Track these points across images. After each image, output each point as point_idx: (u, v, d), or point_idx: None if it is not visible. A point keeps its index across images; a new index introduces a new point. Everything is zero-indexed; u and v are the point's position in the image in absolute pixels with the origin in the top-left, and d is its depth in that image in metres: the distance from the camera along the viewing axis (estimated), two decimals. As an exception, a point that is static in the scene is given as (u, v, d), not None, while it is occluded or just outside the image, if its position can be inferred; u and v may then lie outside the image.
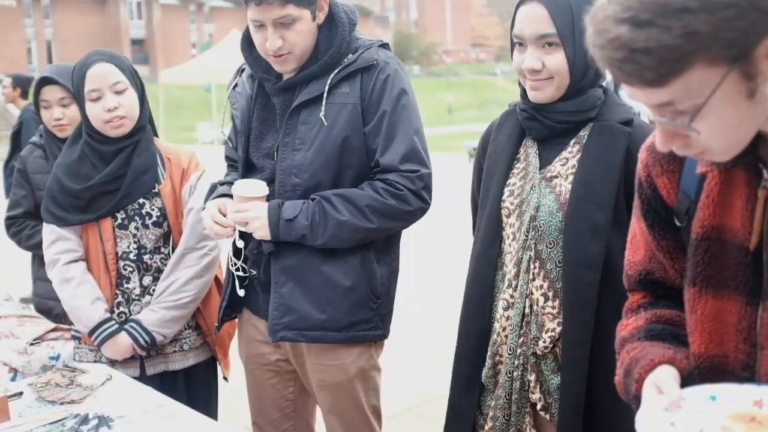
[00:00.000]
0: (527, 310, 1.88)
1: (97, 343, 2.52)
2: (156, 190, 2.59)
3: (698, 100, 1.00)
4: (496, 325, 1.93)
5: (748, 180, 1.18)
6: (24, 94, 6.88)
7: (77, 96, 2.57)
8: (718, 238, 1.22)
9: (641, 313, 1.42)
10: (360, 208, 2.18)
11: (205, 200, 2.43)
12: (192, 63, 25.92)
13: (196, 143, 25.11)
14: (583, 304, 1.79)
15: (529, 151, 1.95)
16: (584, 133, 1.89)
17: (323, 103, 2.20)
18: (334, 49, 2.22)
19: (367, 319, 2.29)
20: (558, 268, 1.85)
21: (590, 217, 1.79)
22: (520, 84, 1.94)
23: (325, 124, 2.19)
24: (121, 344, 2.52)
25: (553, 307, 1.86)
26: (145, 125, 2.62)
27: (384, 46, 2.34)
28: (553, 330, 1.85)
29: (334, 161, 2.22)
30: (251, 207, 2.20)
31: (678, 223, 1.31)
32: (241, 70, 2.45)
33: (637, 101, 1.07)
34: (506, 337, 1.91)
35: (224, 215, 2.26)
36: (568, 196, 1.84)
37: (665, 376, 1.20)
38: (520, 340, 1.88)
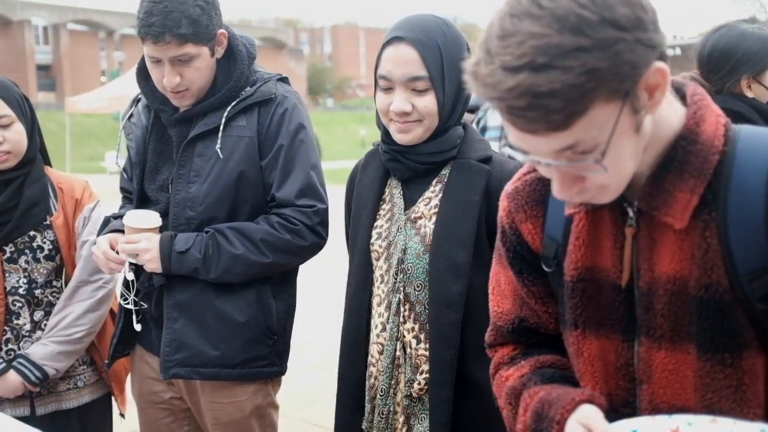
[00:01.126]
0: (399, 353, 1.87)
1: None
2: (48, 222, 2.49)
3: (601, 138, 1.01)
4: (372, 370, 1.91)
5: (613, 220, 1.21)
6: None
7: None
8: (592, 278, 1.24)
9: (521, 363, 1.40)
10: (255, 242, 2.16)
11: (98, 234, 2.36)
12: (101, 91, 25.35)
13: (104, 173, 24.47)
14: (447, 344, 1.79)
15: (394, 191, 1.94)
16: (445, 172, 1.89)
17: (219, 135, 2.18)
18: (233, 82, 2.21)
19: (262, 355, 2.26)
20: (427, 310, 1.84)
21: (451, 256, 1.79)
22: (380, 125, 1.92)
23: (221, 156, 2.17)
24: (10, 382, 2.40)
25: (426, 349, 1.84)
26: (35, 156, 2.51)
27: (283, 80, 2.34)
28: (428, 372, 1.84)
29: (230, 195, 2.19)
30: (142, 238, 2.15)
31: (546, 268, 1.32)
32: (137, 100, 2.41)
33: (532, 153, 1.04)
34: (381, 380, 1.89)
35: (116, 250, 2.20)
36: (431, 237, 1.84)
37: (593, 414, 1.18)
38: (393, 383, 1.88)
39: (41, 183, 2.51)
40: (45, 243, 2.49)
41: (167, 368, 2.22)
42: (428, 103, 1.80)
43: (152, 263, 2.16)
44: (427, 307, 1.84)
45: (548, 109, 0.95)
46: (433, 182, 1.89)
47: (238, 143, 2.19)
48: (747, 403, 1.13)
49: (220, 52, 2.22)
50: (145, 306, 2.29)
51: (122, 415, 2.73)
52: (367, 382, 1.93)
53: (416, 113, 1.81)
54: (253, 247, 2.16)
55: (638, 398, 1.22)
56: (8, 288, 2.46)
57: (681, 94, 1.19)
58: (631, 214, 1.18)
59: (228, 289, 2.20)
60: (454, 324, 1.78)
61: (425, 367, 1.84)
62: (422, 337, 1.85)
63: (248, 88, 2.23)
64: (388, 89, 1.82)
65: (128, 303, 2.26)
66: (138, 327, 2.29)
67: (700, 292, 1.12)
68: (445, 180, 1.87)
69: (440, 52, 1.79)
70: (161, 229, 2.21)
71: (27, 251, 2.46)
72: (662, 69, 1.02)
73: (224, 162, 2.18)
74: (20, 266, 2.46)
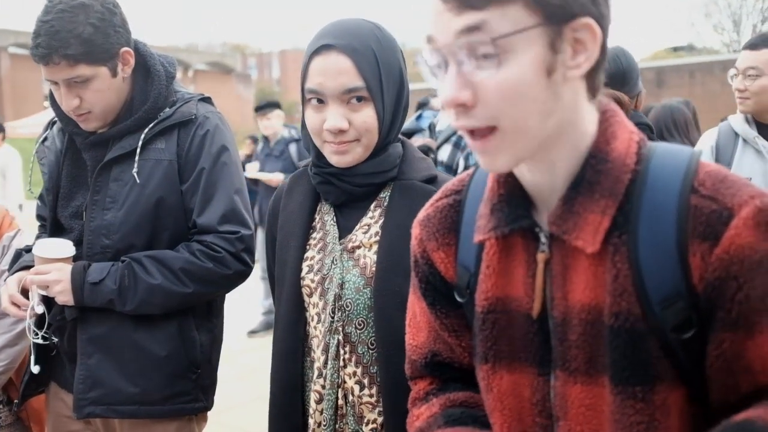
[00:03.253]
0: (341, 402, 1.66)
1: None
2: None
3: (507, 31, 0.96)
4: (311, 422, 1.69)
5: (525, 246, 1.14)
6: None
7: None
8: (504, 309, 1.16)
9: (432, 401, 1.33)
10: (174, 271, 2.04)
11: (9, 268, 2.22)
12: (42, 115, 24.86)
13: (43, 199, 23.94)
14: (404, 389, 1.50)
15: (326, 218, 1.74)
16: (385, 195, 1.71)
17: (136, 159, 2.06)
18: (150, 102, 2.10)
19: (185, 390, 2.14)
20: (371, 351, 1.65)
21: (401, 291, 1.55)
22: (310, 146, 1.74)
23: (138, 181, 2.06)
24: None
25: (371, 395, 1.65)
26: None
27: (205, 100, 2.24)
28: (374, 421, 1.65)
29: (148, 222, 2.08)
30: (53, 269, 2.03)
31: (459, 299, 1.25)
32: (52, 123, 2.29)
33: (437, 39, 1.00)
34: None
35: (26, 290, 2.06)
36: (374, 268, 1.65)
37: None
38: None
39: None
40: None
41: (81, 407, 2.08)
42: (367, 117, 1.62)
43: (63, 295, 2.03)
44: (371, 347, 1.65)
45: None
46: (371, 207, 1.71)
47: (156, 167, 2.08)
48: None
49: (126, 71, 2.09)
50: (56, 340, 2.14)
51: None
52: None
53: (353, 131, 1.62)
54: (172, 277, 2.04)
55: None
56: None
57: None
58: (543, 239, 1.11)
59: (147, 321, 2.08)
60: None
61: (371, 416, 1.65)
62: (365, 381, 1.65)
63: (167, 109, 2.12)
64: (320, 105, 1.62)
65: (38, 338, 2.11)
66: (35, 369, 2.14)
67: (611, 320, 1.05)
68: (385, 204, 1.69)
69: (376, 59, 1.60)
70: (75, 259, 2.09)
71: None
72: (594, 29, 0.99)
73: (142, 187, 2.06)
74: None
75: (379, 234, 1.67)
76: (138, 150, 2.07)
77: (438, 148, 3.51)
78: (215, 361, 2.25)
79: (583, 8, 0.98)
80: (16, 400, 2.31)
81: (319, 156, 1.71)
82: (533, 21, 0.96)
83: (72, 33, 1.93)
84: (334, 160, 1.66)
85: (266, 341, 6.83)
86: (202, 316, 2.18)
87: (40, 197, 2.32)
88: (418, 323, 1.35)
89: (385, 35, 1.67)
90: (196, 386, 2.16)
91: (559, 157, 1.07)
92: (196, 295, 2.08)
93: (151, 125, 2.09)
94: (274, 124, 7.32)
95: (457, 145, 3.44)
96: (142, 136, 2.08)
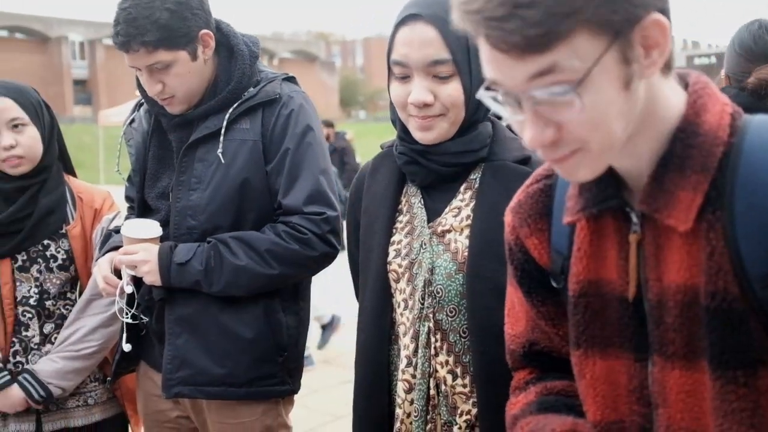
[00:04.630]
0: (433, 392, 1.59)
1: None
2: (63, 231, 2.41)
3: (582, 66, 0.90)
4: (399, 412, 1.62)
5: (617, 227, 1.09)
6: None
7: None
8: (597, 292, 1.11)
9: (530, 389, 1.29)
10: (260, 252, 2.02)
11: (99, 248, 2.25)
12: (132, 103, 25.64)
13: (136, 185, 24.77)
14: (498, 379, 1.45)
15: (413, 200, 1.67)
16: (475, 176, 1.63)
17: (221, 139, 2.05)
18: (234, 82, 2.09)
19: (272, 373, 2.12)
20: (464, 340, 1.58)
21: (494, 277, 1.48)
22: (396, 121, 1.66)
23: (223, 162, 2.04)
24: (13, 397, 2.30)
25: (464, 386, 1.58)
26: (51, 164, 2.43)
27: (289, 79, 2.21)
28: (469, 412, 1.58)
29: (234, 202, 2.06)
30: (140, 249, 2.03)
31: (555, 285, 1.20)
32: (139, 105, 2.30)
33: (505, 84, 0.94)
34: (411, 424, 1.61)
35: (118, 271, 2.08)
36: (466, 253, 1.57)
37: None
38: (428, 427, 1.60)
39: (58, 191, 2.43)
40: (59, 252, 2.40)
41: (169, 387, 2.09)
42: (452, 91, 1.53)
43: (151, 275, 2.03)
44: (463, 335, 1.58)
45: (527, 21, 0.87)
46: (461, 189, 1.62)
47: (241, 147, 2.06)
48: (765, 431, 0.99)
49: (208, 53, 2.08)
50: (146, 320, 2.16)
51: None
52: (394, 426, 1.65)
53: (439, 105, 1.54)
54: (258, 258, 2.02)
55: (655, 425, 1.08)
56: (19, 298, 2.37)
57: (685, 83, 1.06)
58: (634, 219, 1.06)
59: (233, 303, 2.07)
60: (504, 357, 1.42)
61: (465, 406, 1.58)
62: (458, 371, 1.58)
63: (251, 89, 2.10)
64: (405, 77, 1.55)
65: (127, 317, 2.13)
66: (127, 347, 2.16)
67: (707, 300, 0.98)
68: (476, 186, 1.60)
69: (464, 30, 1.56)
70: (162, 240, 2.09)
71: (40, 260, 2.37)
72: (662, 23, 0.93)
73: (227, 167, 2.05)
74: (32, 275, 2.37)
75: (471, 218, 1.59)
76: (223, 130, 2.06)
77: None
78: (302, 344, 2.23)
79: (645, 5, 0.92)
80: (108, 377, 2.33)
81: (406, 131, 1.64)
82: (602, 45, 0.90)
83: (149, 19, 1.93)
84: (418, 135, 1.58)
85: (352, 325, 6.87)
86: (289, 299, 2.16)
87: (128, 178, 2.34)
88: (516, 313, 1.32)
89: None
90: (282, 369, 2.14)
91: (641, 141, 1.02)
92: (282, 276, 2.06)
93: (235, 105, 2.07)
94: None
95: None
96: (227, 116, 2.06)
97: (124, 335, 2.15)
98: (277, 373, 2.13)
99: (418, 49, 1.51)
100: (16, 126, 2.33)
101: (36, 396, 2.30)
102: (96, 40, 62.10)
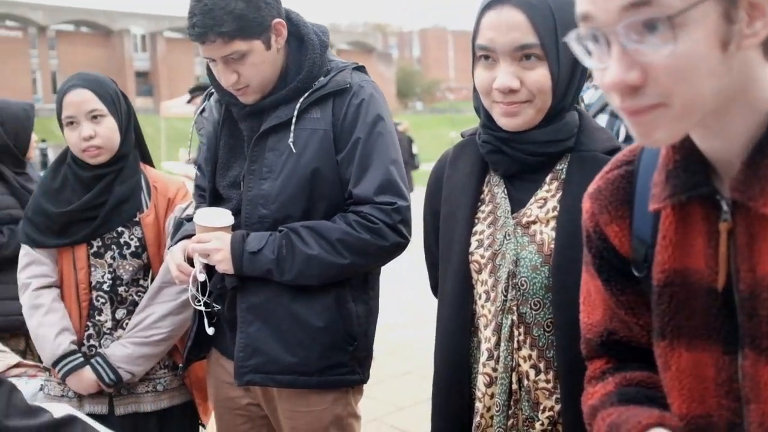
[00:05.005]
0: (515, 386, 1.55)
1: (61, 376, 2.39)
2: (137, 219, 2.47)
3: (681, 4, 0.86)
4: (479, 405, 1.58)
5: (705, 215, 1.04)
6: None
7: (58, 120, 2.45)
8: (683, 282, 1.07)
9: (608, 379, 1.26)
10: (331, 242, 2.02)
11: (171, 237, 2.28)
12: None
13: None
14: (582, 376, 1.40)
15: (496, 190, 1.63)
16: (561, 167, 1.58)
17: (292, 128, 2.05)
18: (305, 72, 2.09)
19: (342, 362, 2.12)
20: (548, 334, 1.54)
21: (580, 270, 1.41)
22: (480, 108, 1.62)
23: (294, 151, 2.05)
24: (86, 379, 2.38)
25: (548, 381, 1.54)
26: (128, 153, 2.50)
27: (359, 68, 2.20)
28: (551, 408, 1.54)
29: (304, 192, 2.07)
30: (213, 238, 2.05)
31: (637, 273, 1.16)
32: (209, 95, 2.32)
33: (597, 16, 0.90)
34: (492, 418, 1.57)
35: (191, 259, 2.11)
36: (552, 246, 1.52)
37: None
38: (509, 423, 1.56)
39: (134, 180, 2.50)
40: (132, 240, 2.46)
41: (242, 374, 2.11)
42: (540, 77, 1.49)
43: (223, 264, 2.05)
44: (547, 330, 1.54)
45: None
46: (547, 179, 1.58)
47: (312, 137, 2.06)
48: None
49: (280, 42, 2.09)
50: (218, 308, 2.18)
51: (202, 425, 2.66)
52: (471, 420, 1.62)
53: (525, 91, 1.50)
54: (329, 247, 2.02)
55: (746, 420, 1.03)
56: (93, 283, 2.46)
57: None
58: (725, 207, 1.01)
59: (305, 292, 2.07)
60: None
61: (547, 402, 1.54)
62: (541, 366, 1.54)
63: (322, 78, 2.10)
64: (490, 63, 1.51)
65: (199, 304, 2.16)
66: (210, 331, 2.18)
67: None
68: (562, 177, 1.56)
69: (552, 15, 1.47)
70: (233, 228, 2.11)
71: (114, 247, 2.45)
72: None
73: (298, 157, 2.05)
74: (106, 262, 2.45)
75: (557, 209, 1.54)
76: (293, 119, 2.06)
77: None
78: (371, 333, 2.23)
79: None
80: (180, 365, 2.37)
81: (490, 118, 1.59)
82: None
83: (225, 10, 1.94)
84: (503, 122, 1.54)
85: (415, 316, 6.86)
86: (359, 288, 2.16)
87: (199, 167, 2.36)
88: (593, 301, 1.28)
89: None
90: (352, 358, 2.14)
91: (733, 122, 0.97)
92: (353, 266, 2.06)
93: (306, 94, 2.08)
94: None
95: (615, 114, 3.26)
96: (298, 105, 2.06)
97: (205, 321, 2.17)
98: (348, 362, 2.13)
99: (505, 33, 1.47)
100: (95, 117, 2.40)
101: (107, 379, 2.37)
102: (157, 32, 63.18)
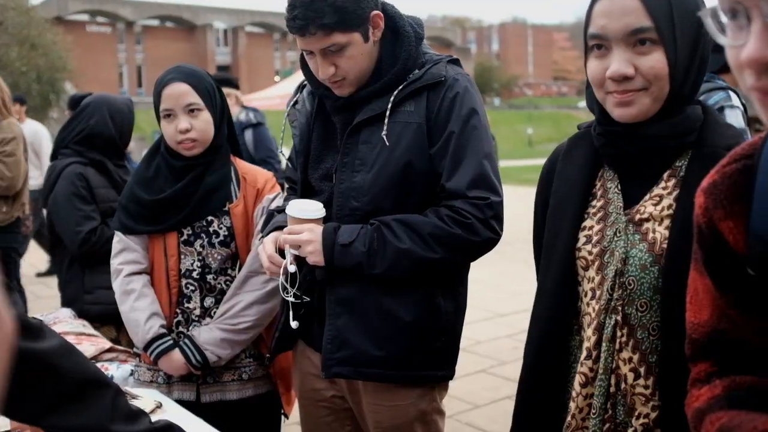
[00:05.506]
0: (612, 389, 1.50)
1: (153, 359, 2.46)
2: (226, 209, 2.51)
3: None
4: (572, 405, 1.53)
5: None
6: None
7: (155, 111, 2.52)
8: None
9: (715, 382, 1.19)
10: (422, 236, 2.00)
11: (262, 228, 2.30)
12: (273, 89, 26.36)
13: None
14: (686, 384, 1.35)
15: (609, 185, 1.57)
16: (681, 164, 1.49)
17: (385, 121, 2.04)
18: (399, 65, 2.07)
19: (429, 358, 2.10)
20: (652, 338, 1.47)
21: None
22: (594, 107, 1.57)
23: (387, 144, 2.03)
24: (175, 361, 2.44)
25: (646, 387, 1.47)
26: (220, 146, 2.55)
27: (454, 61, 2.17)
28: (646, 416, 1.47)
29: (396, 185, 2.05)
30: (305, 229, 2.06)
31: (751, 272, 1.10)
32: (302, 87, 2.32)
33: None
34: (583, 420, 1.52)
35: (282, 250, 2.12)
36: (665, 245, 1.45)
37: None
38: (605, 427, 1.50)
39: (224, 171, 2.54)
40: (221, 229, 2.50)
41: (329, 366, 2.11)
42: (655, 62, 1.42)
43: (314, 256, 2.05)
44: (652, 333, 1.47)
45: None
46: (664, 176, 1.50)
47: (405, 130, 2.04)
48: None
49: (377, 35, 2.08)
50: (308, 299, 2.19)
51: (285, 415, 2.68)
52: (562, 420, 1.58)
53: (639, 78, 1.43)
54: (420, 242, 2.00)
55: None
56: (183, 270, 2.51)
57: None
58: None
59: (394, 285, 2.06)
60: None
61: (643, 409, 1.47)
62: (642, 370, 1.47)
63: (416, 71, 2.08)
64: (603, 52, 1.46)
65: (289, 295, 2.17)
66: (294, 324, 2.19)
67: None
68: (681, 174, 1.47)
69: None
70: (325, 221, 2.11)
71: (203, 235, 2.49)
72: None
73: (391, 150, 2.04)
74: (195, 250, 2.49)
75: (673, 207, 1.46)
76: (387, 112, 2.04)
77: None
78: (459, 329, 2.20)
79: None
80: (267, 355, 2.39)
81: (604, 113, 1.53)
82: None
83: (326, 2, 1.94)
84: (617, 113, 1.47)
85: (485, 313, 6.80)
86: (448, 284, 2.13)
87: (290, 159, 2.37)
88: (700, 300, 1.22)
89: None
90: (440, 354, 2.12)
91: None
92: (444, 261, 2.03)
93: (400, 87, 2.06)
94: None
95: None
96: (392, 98, 2.05)
97: (290, 313, 2.18)
98: (435, 358, 2.11)
99: (618, 18, 1.42)
100: (192, 111, 2.44)
101: (193, 360, 2.42)
102: (239, 27, 64.34)
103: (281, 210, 2.25)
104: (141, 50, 61.06)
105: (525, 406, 1.67)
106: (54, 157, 3.59)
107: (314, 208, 2.09)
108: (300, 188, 2.24)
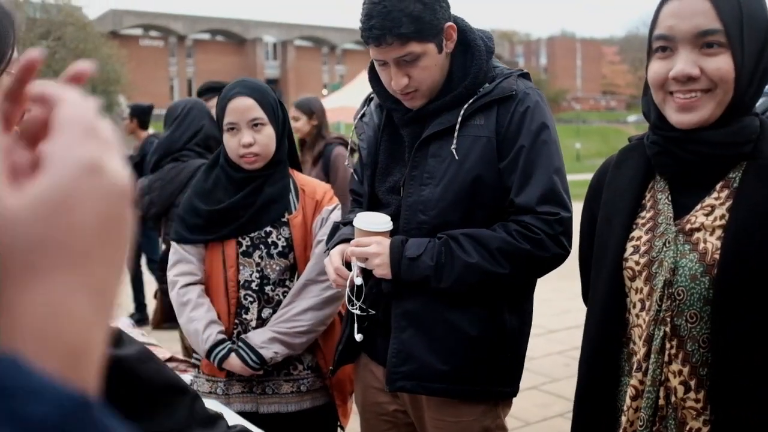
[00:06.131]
0: (662, 402, 1.47)
1: (216, 365, 2.47)
2: (285, 220, 2.52)
3: None
4: (623, 419, 1.52)
5: None
6: (142, 125, 6.64)
7: (218, 123, 2.55)
8: None
9: None
10: (490, 250, 1.99)
11: (327, 241, 2.30)
12: (322, 102, 26.57)
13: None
14: (737, 398, 1.35)
15: (659, 196, 1.55)
16: (735, 175, 1.46)
17: (455, 135, 2.03)
18: (470, 78, 2.06)
19: (494, 374, 2.09)
20: (702, 350, 1.43)
21: (746, 284, 1.36)
22: (650, 112, 1.54)
23: (456, 158, 2.02)
24: (235, 366, 2.45)
25: (697, 401, 1.44)
26: (281, 159, 2.56)
27: (524, 75, 2.16)
28: (698, 430, 1.44)
29: (465, 199, 2.04)
30: (372, 242, 2.05)
31: None
32: (369, 99, 2.33)
33: None
34: None
35: (348, 263, 2.12)
36: (717, 256, 1.41)
37: None
38: None
39: (282, 183, 2.55)
40: (280, 240, 2.51)
41: (393, 380, 2.10)
42: (722, 64, 1.40)
43: (381, 269, 2.05)
44: (702, 345, 1.43)
45: None
46: (717, 187, 1.47)
47: (475, 143, 2.03)
48: None
49: (450, 46, 2.08)
50: (373, 312, 2.18)
51: (341, 427, 2.67)
52: None
53: (704, 79, 1.41)
54: (488, 257, 1.98)
55: None
56: (241, 281, 2.51)
57: None
58: None
59: (460, 300, 2.04)
60: (747, 374, 1.33)
61: (694, 423, 1.44)
62: (692, 384, 1.44)
63: (486, 85, 2.07)
64: (668, 53, 1.44)
65: (355, 308, 2.16)
66: (359, 337, 2.19)
67: None
68: (735, 185, 1.44)
69: (738, 3, 1.40)
70: (392, 234, 2.10)
71: (261, 246, 2.50)
72: None
73: (460, 163, 2.03)
74: (254, 260, 2.50)
75: (726, 218, 1.43)
76: (457, 126, 2.04)
77: None
78: (524, 346, 2.18)
79: None
80: (330, 367, 2.39)
81: (661, 118, 1.51)
82: None
83: (404, 12, 1.94)
84: (677, 119, 1.45)
85: (540, 330, 6.72)
86: (514, 300, 2.11)
87: (355, 172, 2.38)
88: None
89: None
90: (504, 370, 2.11)
91: None
92: (511, 276, 2.01)
93: (470, 101, 2.05)
94: None
95: None
96: (462, 111, 2.04)
97: (355, 326, 2.18)
98: (500, 373, 2.10)
99: (688, 19, 1.41)
100: (255, 125, 2.46)
101: (250, 362, 2.42)
102: (288, 41, 64.99)
103: (347, 222, 2.26)
104: (192, 63, 62.03)
105: (579, 421, 1.66)
106: (159, 160, 3.69)
107: (382, 221, 2.09)
108: (366, 201, 2.24)
